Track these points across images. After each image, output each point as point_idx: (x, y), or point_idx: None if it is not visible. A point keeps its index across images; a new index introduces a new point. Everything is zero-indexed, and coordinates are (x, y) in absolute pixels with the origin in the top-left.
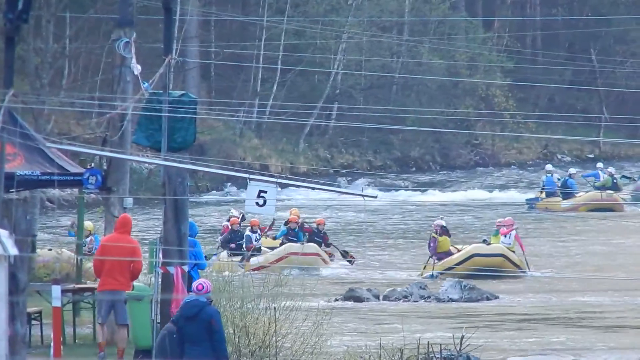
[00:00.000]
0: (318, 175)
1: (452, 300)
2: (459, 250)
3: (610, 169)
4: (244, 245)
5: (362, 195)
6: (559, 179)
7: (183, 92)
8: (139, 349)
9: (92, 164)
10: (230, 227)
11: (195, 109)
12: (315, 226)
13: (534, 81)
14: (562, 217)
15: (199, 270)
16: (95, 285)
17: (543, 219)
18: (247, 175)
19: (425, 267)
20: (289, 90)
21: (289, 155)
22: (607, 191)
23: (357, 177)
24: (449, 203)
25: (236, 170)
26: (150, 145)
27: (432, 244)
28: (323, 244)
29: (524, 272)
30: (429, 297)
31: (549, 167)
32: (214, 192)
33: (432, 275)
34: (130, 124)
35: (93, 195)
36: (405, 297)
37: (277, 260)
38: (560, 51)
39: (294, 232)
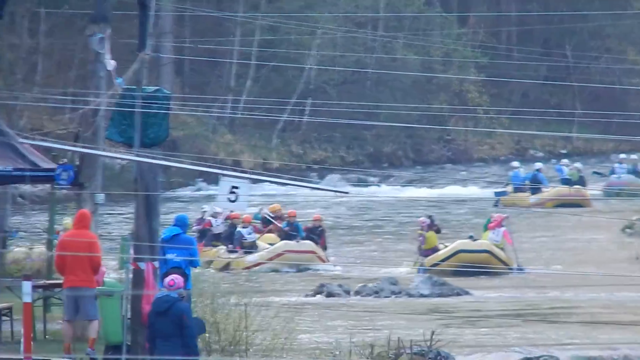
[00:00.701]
0: (291, 171)
1: (423, 295)
2: (445, 247)
3: (577, 165)
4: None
5: (335, 191)
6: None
7: (157, 87)
8: (110, 345)
9: (65, 160)
10: (231, 222)
11: (169, 104)
12: (312, 224)
13: (508, 77)
14: (530, 212)
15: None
16: None
17: (514, 214)
18: (219, 171)
19: (415, 264)
20: (263, 86)
21: (261, 150)
22: (575, 186)
23: (329, 173)
24: (421, 199)
25: (209, 166)
26: (123, 141)
27: (421, 240)
28: (319, 244)
29: (511, 269)
30: (400, 292)
31: (514, 163)
32: (188, 187)
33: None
34: (103, 120)
35: (65, 191)
36: (376, 292)
37: (273, 258)
38: (535, 47)
39: (293, 227)
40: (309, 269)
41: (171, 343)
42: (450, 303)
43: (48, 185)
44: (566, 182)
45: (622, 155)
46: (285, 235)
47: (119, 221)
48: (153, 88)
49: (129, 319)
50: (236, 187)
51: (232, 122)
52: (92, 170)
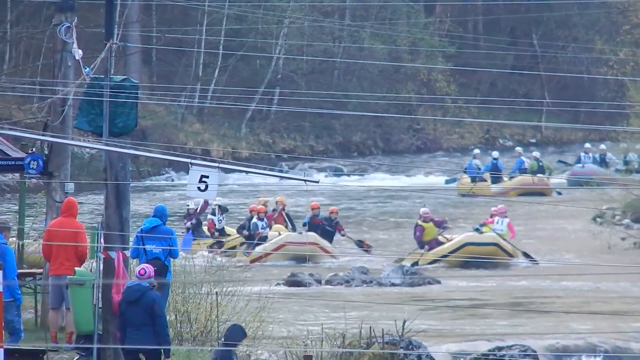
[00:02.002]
0: (260, 160)
1: (393, 284)
2: (449, 240)
3: (535, 154)
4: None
5: (304, 180)
6: (478, 168)
7: (124, 76)
8: (81, 334)
9: (34, 149)
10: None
11: (137, 93)
12: (328, 215)
13: (475, 66)
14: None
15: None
16: (37, 271)
17: (474, 203)
18: (188, 160)
19: (410, 255)
20: (231, 75)
21: (230, 140)
22: (538, 175)
23: (298, 162)
24: (391, 188)
25: (178, 155)
26: (91, 130)
27: (417, 233)
28: (338, 234)
29: (517, 261)
30: (371, 281)
31: (476, 151)
32: (156, 177)
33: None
34: (72, 109)
35: (34, 180)
36: (347, 281)
37: (276, 249)
38: (502, 36)
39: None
40: (314, 260)
41: (142, 332)
42: (421, 292)
43: (17, 175)
44: (523, 172)
45: (588, 145)
46: (323, 231)
47: (88, 210)
48: (121, 77)
49: (100, 308)
50: (206, 177)
51: (200, 111)
52: (61, 159)
